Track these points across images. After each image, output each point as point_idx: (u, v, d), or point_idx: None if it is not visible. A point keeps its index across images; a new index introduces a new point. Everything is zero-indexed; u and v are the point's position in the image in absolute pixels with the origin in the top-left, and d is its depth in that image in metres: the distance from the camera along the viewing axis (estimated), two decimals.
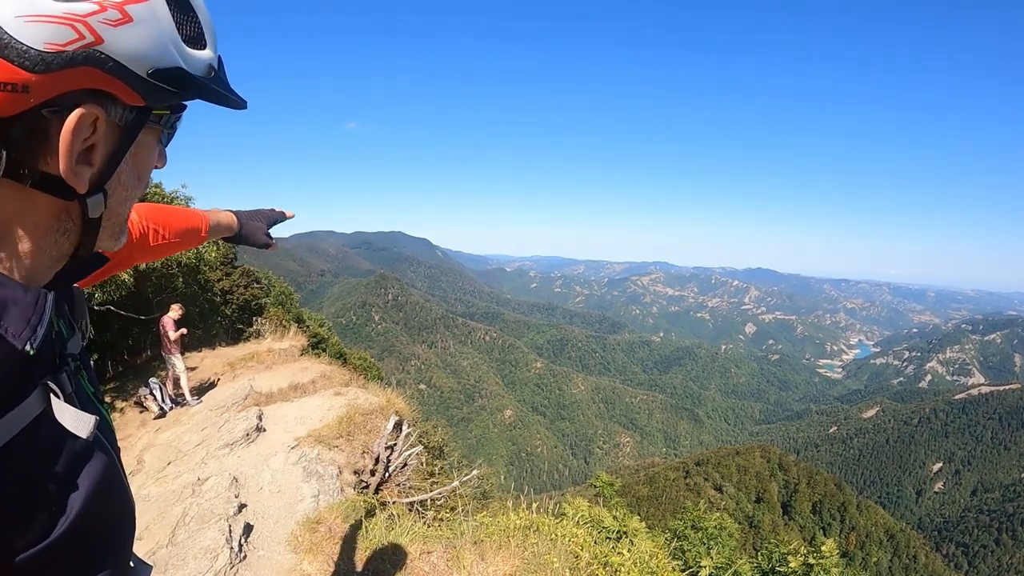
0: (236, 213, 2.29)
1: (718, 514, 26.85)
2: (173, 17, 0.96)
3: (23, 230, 0.95)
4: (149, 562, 1.36)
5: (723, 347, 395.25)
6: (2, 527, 0.87)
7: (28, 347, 0.89)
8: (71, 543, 0.97)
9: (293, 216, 2.52)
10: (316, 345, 28.46)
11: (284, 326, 28.78)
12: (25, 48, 0.80)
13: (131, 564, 1.28)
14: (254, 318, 30.10)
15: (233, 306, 31.32)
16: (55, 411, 0.96)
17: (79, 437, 0.99)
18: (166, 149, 1.17)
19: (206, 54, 1.03)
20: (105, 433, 1.13)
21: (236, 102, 1.11)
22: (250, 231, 2.31)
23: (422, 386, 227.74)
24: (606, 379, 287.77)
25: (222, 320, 29.18)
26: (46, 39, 0.81)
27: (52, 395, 0.97)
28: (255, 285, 34.11)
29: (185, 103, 1.10)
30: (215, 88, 1.05)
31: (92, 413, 1.03)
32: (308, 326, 35.92)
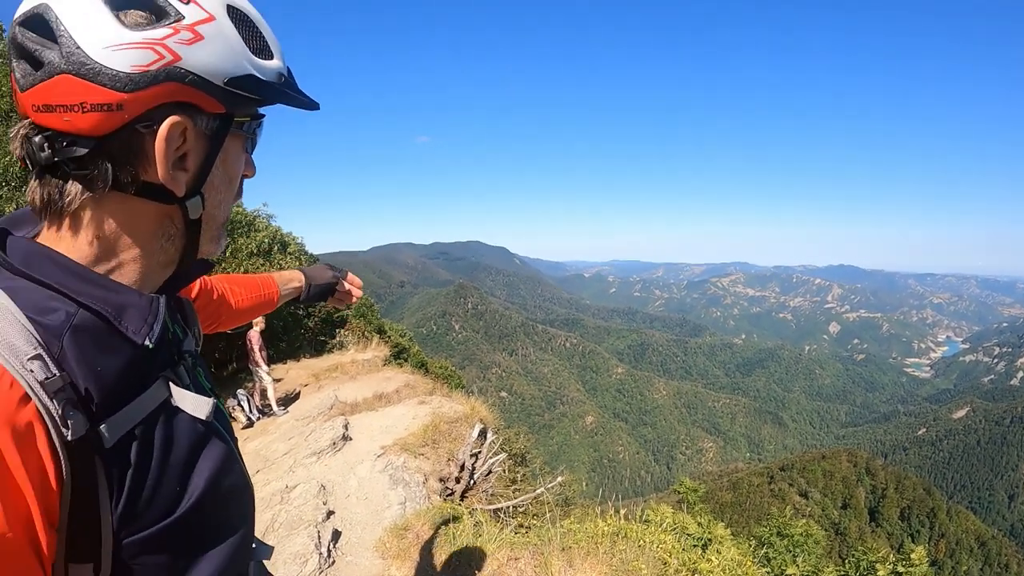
0: (303, 271, 2.35)
1: (804, 521, 26.34)
2: (239, 33, 1.08)
3: (132, 238, 1.09)
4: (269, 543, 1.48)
5: (806, 348, 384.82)
6: (130, 505, 1.02)
7: (147, 342, 1.07)
8: (196, 519, 1.13)
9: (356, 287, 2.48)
10: (398, 355, 28.77)
11: (366, 337, 29.06)
12: (115, 72, 0.95)
13: (253, 545, 1.44)
14: (336, 330, 30.46)
15: (315, 318, 31.76)
16: (175, 398, 1.13)
17: (198, 424, 1.17)
18: (255, 160, 1.30)
19: (275, 63, 1.16)
20: (221, 421, 1.29)
21: (309, 103, 1.23)
22: (316, 285, 2.33)
23: (503, 394, 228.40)
24: (688, 383, 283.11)
25: (305, 332, 29.56)
26: (132, 62, 0.96)
27: (172, 384, 1.14)
28: None
29: (262, 112, 1.22)
30: (287, 91, 1.18)
31: None
32: (389, 337, 36.25)
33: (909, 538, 76.07)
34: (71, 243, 1.06)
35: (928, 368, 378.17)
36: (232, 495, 1.28)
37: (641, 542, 6.02)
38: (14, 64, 1.00)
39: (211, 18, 1.04)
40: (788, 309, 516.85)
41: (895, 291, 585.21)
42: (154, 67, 0.98)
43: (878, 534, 77.40)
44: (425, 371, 26.25)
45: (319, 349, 26.66)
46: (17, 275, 1.03)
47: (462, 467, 8.73)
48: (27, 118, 1.01)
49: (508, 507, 8.35)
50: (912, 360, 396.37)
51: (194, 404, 1.16)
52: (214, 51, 1.04)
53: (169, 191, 1.08)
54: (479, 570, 5.68)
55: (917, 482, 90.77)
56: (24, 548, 0.89)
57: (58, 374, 0.95)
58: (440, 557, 6.01)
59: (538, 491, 8.88)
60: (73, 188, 1.02)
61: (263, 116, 1.24)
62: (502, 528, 6.68)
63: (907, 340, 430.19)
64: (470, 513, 7.32)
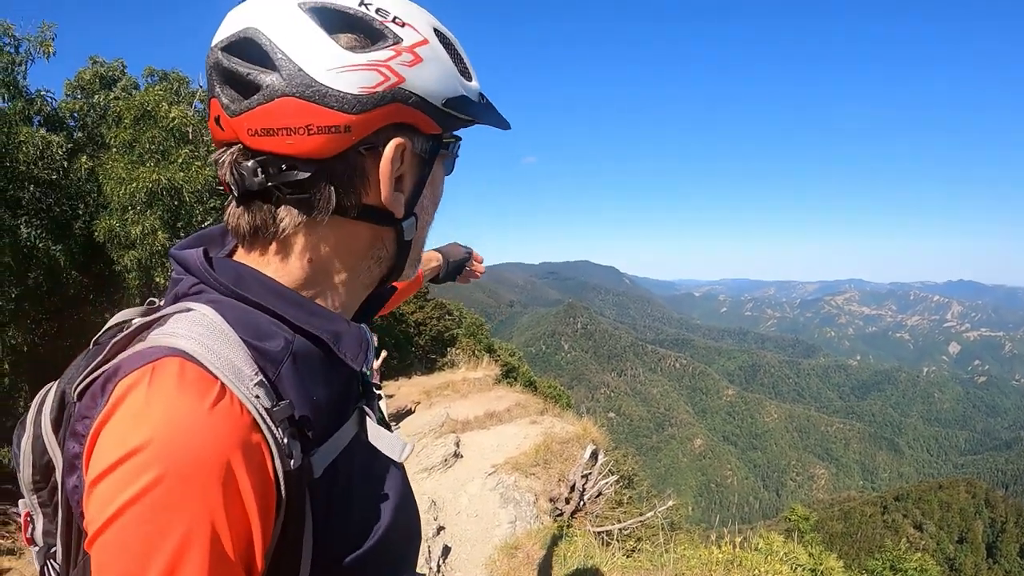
0: (438, 250, 2.49)
1: (918, 555, 25.38)
2: (448, 55, 1.09)
3: (343, 261, 1.10)
4: None
5: (925, 370, 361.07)
6: (328, 536, 1.02)
7: (364, 368, 1.13)
8: (381, 552, 1.12)
9: (482, 262, 2.67)
10: (507, 374, 28.98)
11: (476, 356, 29.38)
12: (342, 94, 0.95)
13: None
14: (447, 348, 30.90)
15: (427, 337, 32.26)
16: (370, 435, 1.15)
17: (384, 458, 1.17)
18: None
19: (475, 84, 1.17)
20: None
21: (504, 123, 1.25)
22: (453, 262, 2.50)
23: (611, 414, 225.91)
24: (800, 406, 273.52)
25: (416, 350, 30.04)
26: (359, 84, 0.96)
27: (366, 418, 1.16)
28: (447, 317, 35.09)
29: (459, 135, 1.22)
30: (490, 111, 1.20)
31: None
32: (499, 356, 36.58)
33: None
34: (279, 267, 1.07)
35: None
36: (410, 526, 1.29)
37: (756, 572, 5.93)
38: (218, 90, 1.00)
39: (426, 41, 1.05)
40: (905, 328, 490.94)
41: (1018, 307, 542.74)
42: (380, 88, 0.98)
43: (995, 572, 73.95)
44: (534, 390, 26.34)
45: (430, 367, 27.08)
46: (227, 295, 1.04)
47: (572, 488, 8.74)
48: (234, 144, 1.02)
49: (616, 530, 8.33)
50: None
51: (390, 445, 1.15)
52: (432, 72, 1.05)
53: (389, 213, 1.09)
54: None
55: None
56: (239, 571, 0.90)
57: (281, 403, 0.95)
58: None
59: (646, 515, 8.83)
60: (287, 213, 1.03)
61: (460, 137, 1.24)
62: (612, 552, 6.67)
63: None
64: (580, 535, 7.33)
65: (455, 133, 1.21)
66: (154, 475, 0.84)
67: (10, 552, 11.44)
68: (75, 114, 17.37)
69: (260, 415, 0.93)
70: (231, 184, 1.03)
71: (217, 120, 1.02)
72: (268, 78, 0.95)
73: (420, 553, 6.63)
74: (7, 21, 14.52)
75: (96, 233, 14.28)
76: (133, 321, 1.08)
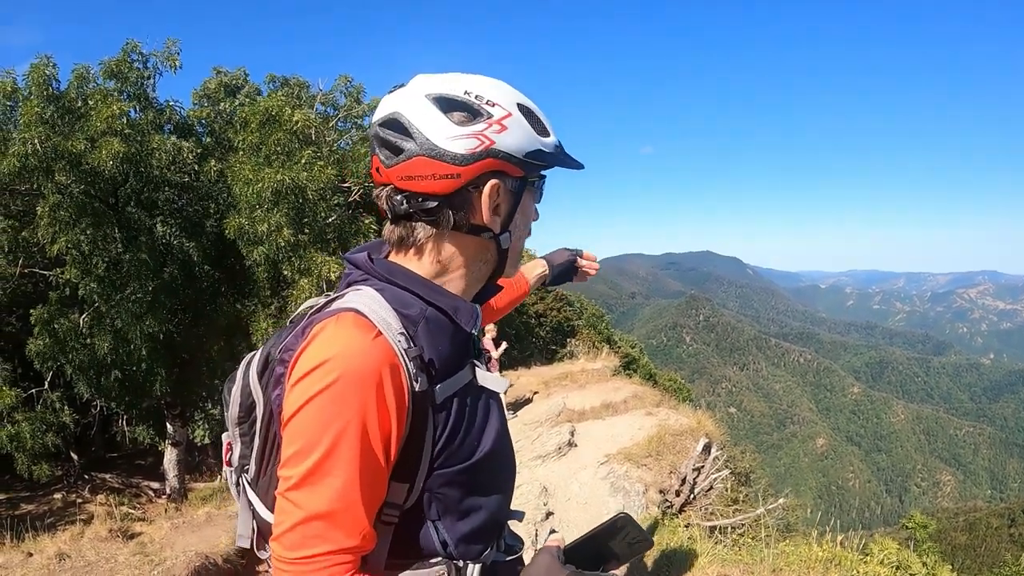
0: (544, 258, 2.88)
1: None
2: (527, 121, 1.55)
3: (460, 261, 1.60)
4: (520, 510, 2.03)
5: None
6: (444, 447, 1.49)
7: (473, 330, 1.62)
8: (483, 468, 1.59)
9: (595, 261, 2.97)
10: (627, 366, 28.99)
11: (596, 347, 29.44)
12: (455, 154, 1.44)
13: (511, 508, 1.90)
14: (567, 339, 31.11)
15: (547, 328, 32.58)
16: (479, 378, 1.63)
17: (491, 400, 1.67)
18: (538, 208, 1.80)
19: (552, 139, 1.62)
20: (498, 403, 1.75)
21: (577, 165, 1.74)
22: (557, 266, 2.84)
23: (732, 409, 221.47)
24: (929, 407, 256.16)
25: (536, 341, 30.36)
26: (465, 147, 1.45)
27: (476, 368, 1.63)
28: (568, 308, 35.32)
29: (545, 173, 1.70)
30: (563, 157, 1.67)
31: None
32: (619, 347, 36.62)
33: None
34: (417, 263, 1.58)
35: None
36: (506, 455, 1.76)
37: (854, 572, 5.96)
38: (377, 150, 1.52)
39: (510, 114, 1.51)
40: None
41: None
42: (479, 149, 1.46)
43: None
44: (654, 383, 26.25)
45: (549, 357, 27.35)
46: (384, 282, 1.54)
47: (683, 480, 8.80)
48: (388, 185, 1.53)
49: (726, 526, 8.38)
50: None
51: (494, 383, 1.66)
52: (515, 135, 1.51)
53: (490, 229, 1.58)
54: None
55: None
56: (380, 452, 1.38)
57: (415, 347, 1.45)
58: (651, 567, 6.21)
59: (757, 512, 8.82)
60: (422, 229, 1.53)
61: (545, 176, 1.73)
62: (715, 545, 6.75)
63: None
64: (686, 527, 7.46)
65: (542, 173, 1.68)
66: (334, 376, 1.33)
67: (141, 519, 12.31)
68: (203, 121, 18.60)
69: (399, 351, 1.41)
70: (387, 210, 1.55)
71: (377, 170, 1.54)
72: (408, 144, 1.46)
73: (527, 535, 6.92)
74: (135, 40, 15.75)
75: (226, 230, 15.22)
76: (320, 301, 1.59)
